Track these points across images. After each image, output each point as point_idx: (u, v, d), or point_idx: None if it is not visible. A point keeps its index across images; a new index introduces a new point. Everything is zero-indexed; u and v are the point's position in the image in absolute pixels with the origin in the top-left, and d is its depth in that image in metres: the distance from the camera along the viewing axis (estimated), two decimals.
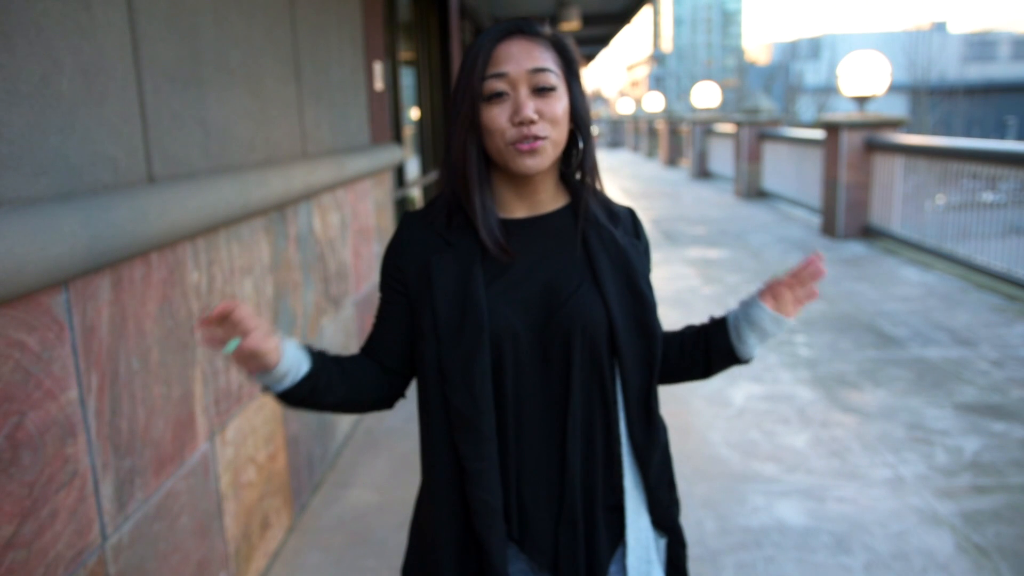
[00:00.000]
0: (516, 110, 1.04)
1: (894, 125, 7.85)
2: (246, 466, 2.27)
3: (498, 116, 1.05)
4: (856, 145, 7.77)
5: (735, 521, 2.63)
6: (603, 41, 15.17)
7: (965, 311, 5.10)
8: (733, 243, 7.95)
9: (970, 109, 37.21)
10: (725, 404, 3.64)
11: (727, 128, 13.45)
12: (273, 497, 2.48)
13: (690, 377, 1.25)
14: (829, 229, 8.10)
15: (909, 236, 7.06)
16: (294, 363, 1.03)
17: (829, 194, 8.10)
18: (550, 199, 1.15)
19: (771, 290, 1.14)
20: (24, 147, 1.34)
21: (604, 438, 1.12)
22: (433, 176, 6.36)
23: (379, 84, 4.13)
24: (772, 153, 11.12)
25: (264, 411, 2.42)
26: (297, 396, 1.07)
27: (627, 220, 1.20)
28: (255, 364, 1.00)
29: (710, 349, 1.19)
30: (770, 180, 11.23)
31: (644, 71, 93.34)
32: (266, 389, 1.05)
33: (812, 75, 53.24)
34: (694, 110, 16.88)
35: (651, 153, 22.96)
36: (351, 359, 1.16)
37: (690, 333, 1.24)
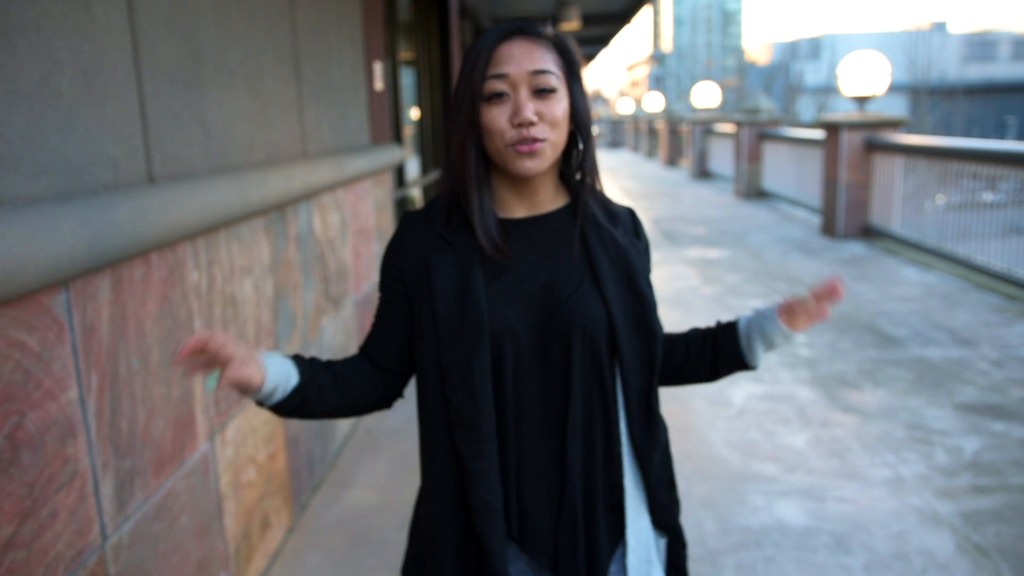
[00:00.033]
0: (516, 111, 1.04)
1: (894, 125, 7.85)
2: (246, 466, 2.27)
3: (498, 116, 1.05)
4: (856, 145, 7.78)
5: (735, 521, 2.63)
6: (603, 41, 15.17)
7: (965, 311, 5.10)
8: (733, 243, 7.95)
9: (970, 109, 37.21)
10: (725, 404, 3.64)
11: (727, 128, 13.45)
12: (273, 497, 2.48)
13: (696, 380, 1.25)
14: (829, 229, 8.10)
15: (909, 236, 7.06)
16: (281, 378, 1.03)
17: (829, 194, 8.10)
18: (550, 199, 1.15)
19: (788, 307, 1.15)
20: (24, 147, 1.34)
21: (604, 438, 1.12)
22: (433, 176, 6.36)
23: (379, 84, 4.13)
24: (772, 153, 11.13)
25: (264, 411, 2.42)
26: (288, 407, 1.07)
27: (627, 220, 1.20)
28: (240, 389, 1.00)
29: (719, 354, 1.20)
30: (770, 180, 11.23)
31: (644, 71, 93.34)
32: (259, 403, 1.06)
33: (812, 75, 53.24)
34: (694, 110, 16.88)
35: (651, 153, 22.96)
36: (345, 364, 1.16)
37: (695, 336, 1.24)
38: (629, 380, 1.11)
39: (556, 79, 1.06)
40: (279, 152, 2.61)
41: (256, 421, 2.36)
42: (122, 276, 1.62)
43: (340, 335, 3.30)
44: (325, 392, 1.11)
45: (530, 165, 1.06)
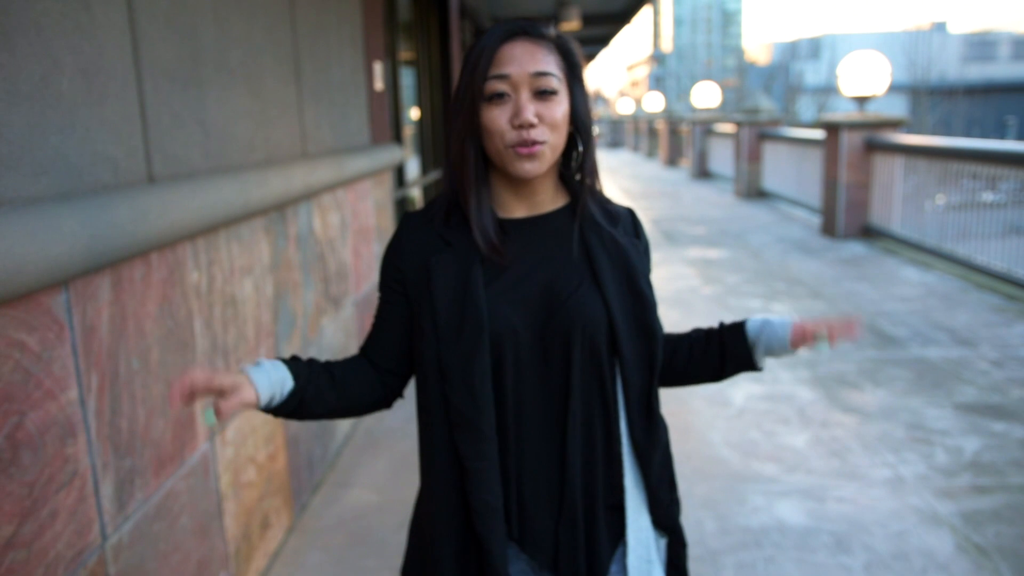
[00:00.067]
0: (516, 112, 1.04)
1: (894, 125, 7.85)
2: (246, 466, 2.27)
3: (498, 117, 1.05)
4: (856, 145, 7.78)
5: (735, 521, 2.63)
6: (603, 41, 15.17)
7: (965, 311, 5.10)
8: (733, 243, 7.95)
9: (970, 109, 37.21)
10: (725, 404, 3.64)
11: (727, 128, 13.45)
12: (273, 497, 2.48)
13: (700, 380, 1.26)
14: (829, 229, 8.11)
15: (909, 236, 7.06)
16: (276, 387, 1.05)
17: (829, 194, 8.10)
18: (549, 199, 1.15)
19: (803, 332, 1.15)
20: (24, 147, 1.34)
21: (604, 437, 1.12)
22: (433, 176, 6.36)
23: (379, 84, 4.13)
24: (772, 153, 11.13)
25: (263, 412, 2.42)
26: (285, 411, 1.08)
27: (627, 220, 1.20)
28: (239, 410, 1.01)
29: (725, 355, 1.21)
30: (770, 180, 11.23)
31: (644, 71, 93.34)
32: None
33: (812, 75, 53.25)
34: (694, 110, 16.87)
35: (651, 153, 22.95)
36: (344, 364, 1.16)
37: (698, 336, 1.24)
38: (629, 380, 1.11)
39: (557, 81, 1.06)
40: (279, 152, 2.61)
41: (256, 421, 2.36)
42: (122, 276, 1.62)
43: (340, 335, 3.30)
44: (323, 393, 1.11)
45: (529, 167, 1.06)
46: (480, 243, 1.07)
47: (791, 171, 10.28)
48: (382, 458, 3.20)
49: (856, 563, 2.38)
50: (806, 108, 43.94)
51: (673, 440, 1.24)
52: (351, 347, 3.45)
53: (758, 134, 11.44)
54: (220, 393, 0.98)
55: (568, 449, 1.09)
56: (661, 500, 1.16)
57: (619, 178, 16.29)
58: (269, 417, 2.45)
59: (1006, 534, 2.49)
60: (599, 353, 1.09)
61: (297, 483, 2.71)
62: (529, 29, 1.07)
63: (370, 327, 1.20)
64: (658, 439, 1.15)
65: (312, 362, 1.13)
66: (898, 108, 35.04)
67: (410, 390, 1.19)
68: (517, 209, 1.13)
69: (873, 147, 7.66)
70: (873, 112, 7.94)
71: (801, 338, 1.15)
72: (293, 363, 1.10)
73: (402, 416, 3.35)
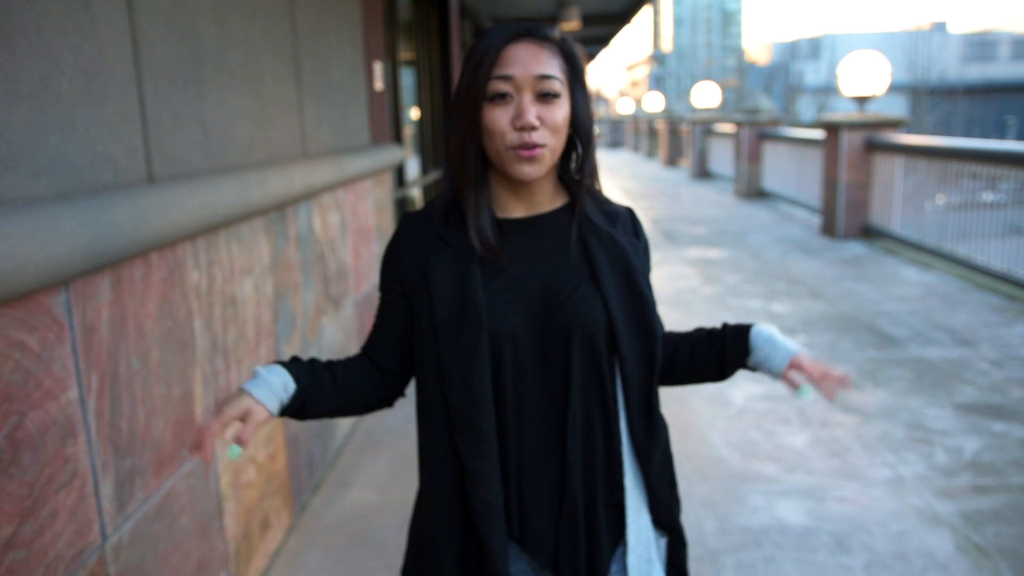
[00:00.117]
0: (518, 114, 1.04)
1: (894, 125, 7.85)
2: (246, 466, 2.28)
3: (500, 117, 1.05)
4: (856, 145, 7.78)
5: (735, 521, 2.63)
6: (603, 41, 15.16)
7: (965, 311, 5.10)
8: (733, 243, 7.95)
9: (970, 109, 37.22)
10: (725, 404, 3.64)
11: (727, 128, 13.45)
12: (273, 497, 2.48)
13: (702, 380, 1.26)
14: (829, 229, 8.11)
15: (909, 236, 7.06)
16: (280, 392, 1.06)
17: (829, 194, 8.10)
18: (548, 199, 1.15)
19: (799, 367, 1.16)
20: (24, 147, 1.34)
21: (604, 437, 1.12)
22: (433, 176, 6.36)
23: (379, 84, 4.13)
24: (772, 153, 11.13)
25: None
26: (289, 412, 1.10)
27: (626, 219, 1.20)
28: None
29: (726, 357, 1.21)
30: (770, 180, 11.23)
31: (644, 71, 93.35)
32: None
33: (812, 75, 53.27)
34: (694, 110, 16.87)
35: (651, 153, 22.95)
36: (345, 364, 1.17)
37: (701, 336, 1.24)
38: (629, 379, 1.11)
39: (560, 84, 1.06)
40: (279, 152, 2.61)
41: None
42: (122, 276, 1.62)
43: (340, 335, 3.30)
44: (325, 393, 1.12)
45: (529, 170, 1.06)
46: (476, 244, 1.08)
47: (791, 171, 10.28)
48: (382, 458, 3.20)
49: (856, 563, 2.38)
50: (806, 108, 43.95)
51: (673, 440, 1.24)
52: (351, 347, 3.45)
53: (758, 134, 11.44)
54: (239, 423, 1.03)
55: (568, 449, 1.09)
56: (661, 499, 1.16)
57: (619, 178, 16.30)
58: None
59: (1006, 534, 2.49)
60: (599, 353, 1.09)
61: (297, 483, 2.71)
62: (534, 31, 1.07)
63: (371, 327, 1.20)
64: (658, 438, 1.15)
65: (313, 362, 1.14)
66: (898, 108, 35.05)
67: (411, 389, 1.19)
68: (516, 209, 1.14)
69: (873, 147, 7.66)
70: (873, 112, 7.94)
71: (794, 374, 1.17)
72: (294, 364, 1.11)
73: (402, 416, 3.35)
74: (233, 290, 2.20)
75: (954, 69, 44.31)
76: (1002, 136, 37.15)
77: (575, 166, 1.15)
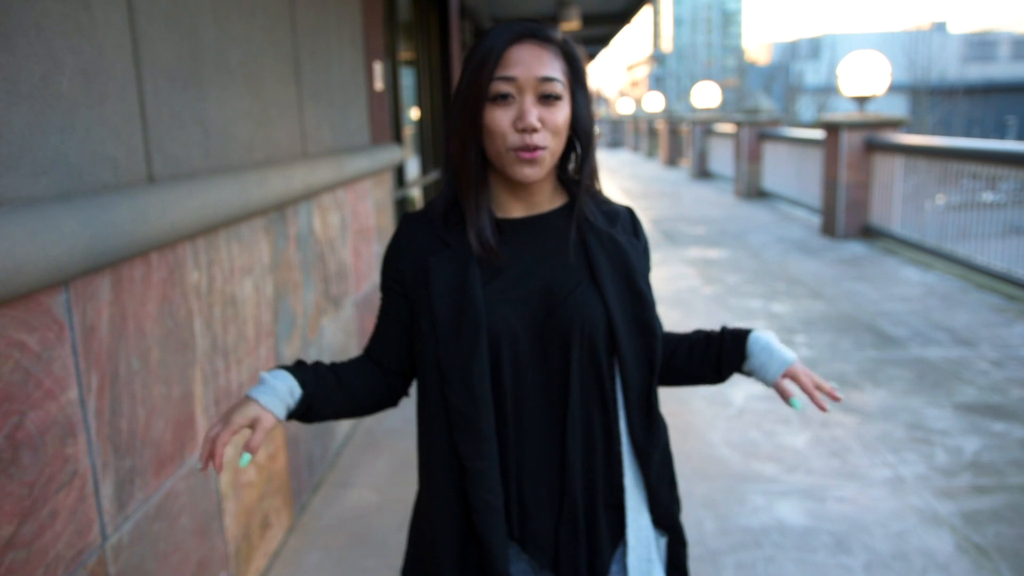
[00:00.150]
0: (520, 116, 1.04)
1: (894, 125, 7.85)
2: (246, 466, 2.27)
3: (501, 118, 1.05)
4: (856, 145, 7.78)
5: (735, 521, 2.63)
6: (603, 41, 15.16)
7: (965, 311, 5.10)
8: (733, 243, 7.95)
9: (970, 109, 37.22)
10: (725, 404, 3.64)
11: (727, 128, 13.45)
12: (273, 497, 2.48)
13: (700, 382, 1.27)
14: (829, 229, 8.11)
15: (909, 236, 7.06)
16: (286, 398, 1.07)
17: (829, 194, 8.10)
18: (547, 199, 1.15)
19: (794, 376, 1.17)
20: (24, 147, 1.34)
21: (604, 436, 1.12)
22: (433, 176, 6.36)
23: (379, 84, 4.13)
24: (772, 153, 11.13)
25: None
26: (295, 416, 1.11)
27: (626, 219, 1.20)
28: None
29: (723, 360, 1.22)
30: (770, 180, 11.23)
31: (644, 71, 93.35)
32: None
33: (812, 75, 53.28)
34: (694, 110, 16.87)
35: (651, 153, 22.95)
36: (349, 366, 1.18)
37: (699, 339, 1.25)
38: (629, 379, 1.11)
39: (561, 86, 1.06)
40: (279, 152, 2.61)
41: None
42: (122, 276, 1.62)
43: (340, 335, 3.30)
44: (330, 396, 1.13)
45: (529, 172, 1.06)
46: (474, 244, 1.08)
47: (791, 171, 10.28)
48: (382, 458, 3.20)
49: (856, 563, 2.38)
50: (806, 108, 43.96)
51: (673, 440, 1.24)
52: (351, 347, 3.45)
53: (758, 134, 11.43)
54: (248, 431, 1.03)
55: (568, 448, 1.09)
56: (661, 499, 1.17)
57: (619, 178, 16.30)
58: None
59: (1006, 534, 2.49)
60: (598, 352, 1.09)
61: (297, 483, 2.71)
62: (537, 32, 1.06)
63: (374, 328, 1.20)
64: (658, 438, 1.15)
65: (318, 365, 1.15)
66: (898, 108, 35.06)
67: (414, 389, 1.20)
68: (515, 209, 1.14)
69: (873, 147, 7.66)
70: (873, 112, 7.94)
71: (787, 383, 1.18)
72: (299, 369, 1.12)
73: (402, 416, 3.35)
74: (233, 290, 2.20)
75: (954, 69, 44.31)
76: (1002, 136, 37.16)
77: (574, 166, 1.15)
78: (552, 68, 1.05)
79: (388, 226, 4.19)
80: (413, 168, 5.82)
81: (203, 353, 1.99)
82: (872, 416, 3.46)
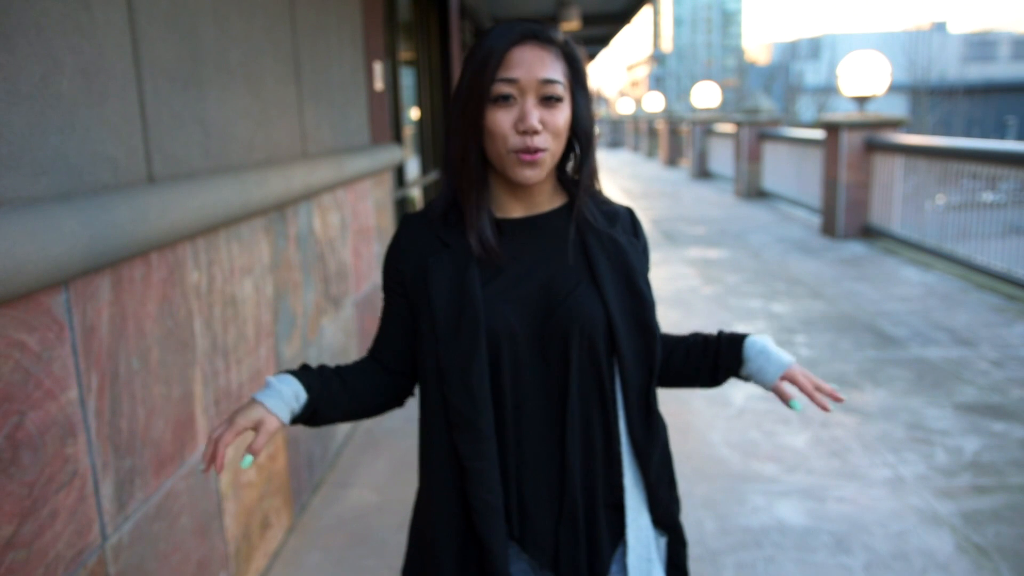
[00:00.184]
0: (521, 118, 1.04)
1: (894, 125, 7.85)
2: (248, 468, 2.27)
3: (502, 120, 1.05)
4: (856, 145, 7.78)
5: (735, 521, 2.63)
6: (603, 41, 15.16)
7: (965, 311, 5.10)
8: (733, 243, 7.95)
9: (970, 109, 37.23)
10: (725, 404, 3.64)
11: (727, 128, 13.45)
12: (273, 497, 2.48)
13: (695, 384, 1.27)
14: (829, 229, 8.11)
15: (909, 236, 7.06)
16: (291, 402, 1.07)
17: (829, 194, 8.10)
18: (547, 200, 1.15)
19: (792, 379, 1.18)
20: (24, 147, 1.34)
21: (603, 436, 1.12)
22: (433, 176, 6.36)
23: (379, 84, 4.13)
24: (772, 153, 11.13)
25: None
26: (301, 420, 1.11)
27: (625, 219, 1.20)
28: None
29: (719, 364, 1.22)
30: (770, 180, 11.23)
31: (644, 71, 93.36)
32: None
33: (812, 75, 53.30)
34: (694, 110, 16.87)
35: (651, 153, 22.95)
36: (353, 368, 1.18)
37: (696, 342, 1.25)
38: (628, 379, 1.11)
39: (562, 88, 1.06)
40: (279, 152, 2.61)
41: None
42: (122, 276, 1.62)
43: (340, 335, 3.30)
44: (336, 399, 1.14)
45: (530, 174, 1.06)
46: (474, 246, 1.08)
47: (791, 171, 10.28)
48: (382, 458, 3.20)
49: (856, 563, 2.38)
50: (806, 108, 43.97)
51: (673, 440, 1.24)
52: (351, 347, 3.45)
53: (758, 134, 11.44)
54: (250, 433, 1.03)
55: (567, 448, 1.10)
56: (661, 499, 1.17)
57: (619, 178, 16.30)
58: None
59: (1006, 534, 2.49)
60: (597, 352, 1.09)
61: (297, 483, 2.71)
62: (538, 33, 1.06)
63: (377, 329, 1.21)
64: (657, 438, 1.15)
65: (323, 369, 1.15)
66: (898, 108, 35.07)
67: (418, 388, 1.20)
68: (515, 209, 1.14)
69: (873, 147, 7.66)
70: (873, 112, 7.94)
71: (786, 386, 1.18)
72: (304, 373, 1.12)
73: (402, 416, 3.35)
74: (233, 290, 2.20)
75: (954, 69, 44.32)
76: (1002, 136, 37.16)
77: (573, 166, 1.15)
78: (553, 70, 1.05)
79: (388, 226, 4.19)
80: (413, 168, 5.82)
81: (203, 353, 1.99)
82: (872, 416, 3.46)
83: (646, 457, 1.13)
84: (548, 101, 1.05)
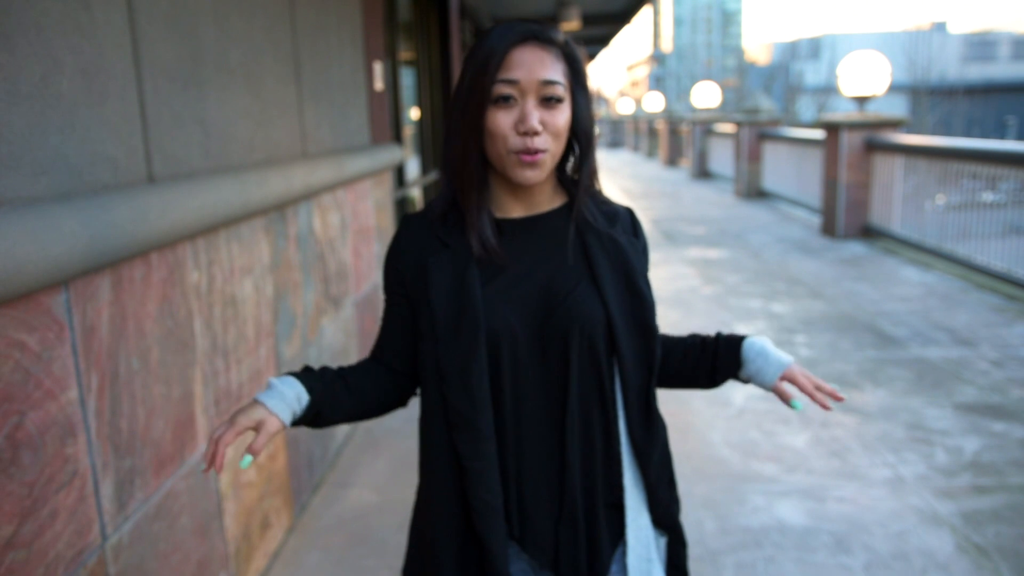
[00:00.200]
0: (522, 119, 1.04)
1: (894, 125, 7.85)
2: (247, 468, 2.27)
3: (503, 121, 1.05)
4: (856, 145, 7.78)
5: (735, 521, 2.63)
6: (603, 41, 15.16)
7: (965, 311, 5.10)
8: (733, 243, 7.95)
9: (970, 109, 37.23)
10: (725, 404, 3.64)
11: (727, 128, 13.45)
12: (273, 497, 2.48)
13: (693, 386, 1.27)
14: (829, 229, 8.11)
15: (909, 236, 7.06)
16: (293, 404, 1.07)
17: (829, 194, 8.10)
18: (547, 200, 1.15)
19: (792, 379, 1.19)
20: (24, 147, 1.34)
21: (603, 436, 1.12)
22: (433, 176, 6.36)
23: (379, 84, 4.13)
24: (772, 153, 11.13)
25: None
26: (304, 422, 1.12)
27: (625, 219, 1.20)
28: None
29: (717, 366, 1.22)
30: (770, 180, 11.23)
31: (644, 71, 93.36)
32: None
33: (812, 75, 53.31)
34: (694, 110, 16.87)
35: (651, 153, 22.95)
36: (356, 370, 1.18)
37: (694, 343, 1.25)
38: (628, 379, 1.11)
39: (563, 89, 1.06)
40: (279, 152, 2.61)
41: None
42: (122, 276, 1.62)
43: (340, 335, 3.30)
44: (339, 401, 1.14)
45: (530, 175, 1.06)
46: (476, 248, 1.08)
47: (791, 171, 10.28)
48: (382, 458, 3.20)
49: (856, 563, 2.38)
50: (806, 108, 43.97)
51: (673, 440, 1.24)
52: (351, 347, 3.45)
53: (758, 134, 11.44)
54: (251, 433, 1.03)
55: (567, 448, 1.10)
56: (660, 499, 1.17)
57: (619, 178, 16.30)
58: None
59: (1006, 534, 2.49)
60: (597, 352, 1.09)
61: (297, 483, 2.71)
62: (539, 34, 1.06)
63: (379, 330, 1.21)
64: (657, 438, 1.15)
65: (325, 371, 1.15)
66: (898, 108, 35.07)
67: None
68: (515, 209, 1.14)
69: (873, 147, 7.66)
70: (873, 112, 7.94)
71: (786, 386, 1.19)
72: (307, 375, 1.12)
73: (402, 416, 3.34)
74: (233, 290, 2.20)
75: (954, 69, 44.33)
76: (1002, 136, 37.17)
77: (572, 166, 1.16)
78: (554, 71, 1.05)
79: (388, 226, 4.19)
80: (413, 168, 5.82)
81: (203, 353, 1.99)
82: (872, 416, 3.46)
83: (646, 457, 1.13)
84: (548, 102, 1.05)
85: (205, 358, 2.00)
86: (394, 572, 2.35)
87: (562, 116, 1.06)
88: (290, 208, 2.69)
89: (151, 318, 1.73)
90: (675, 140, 19.04)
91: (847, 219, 7.88)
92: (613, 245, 1.13)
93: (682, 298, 5.68)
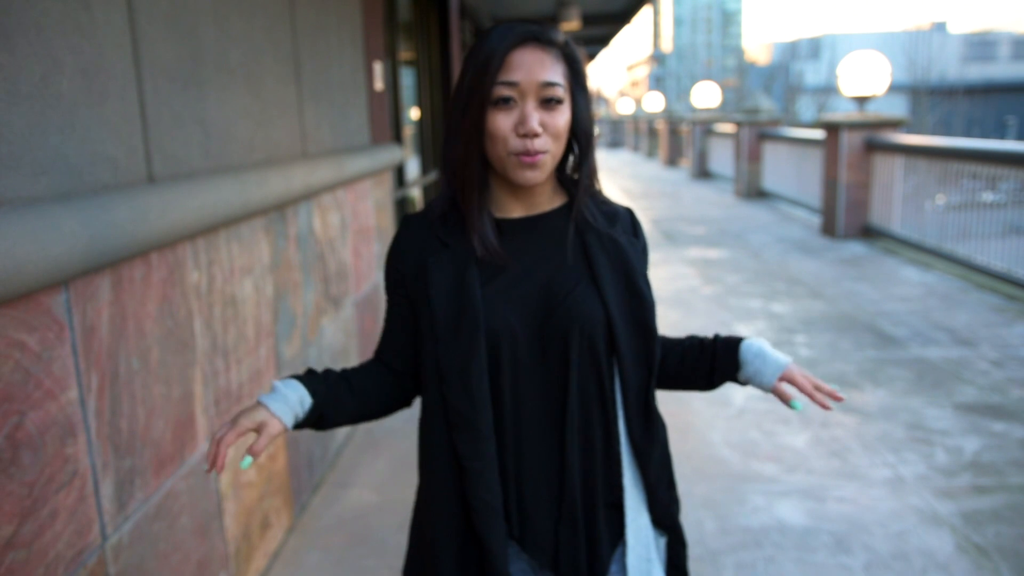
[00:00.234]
0: (522, 121, 1.04)
1: (894, 125, 7.85)
2: (247, 468, 2.27)
3: (503, 122, 1.05)
4: (856, 145, 7.78)
5: (735, 521, 2.63)
6: (603, 41, 15.16)
7: (965, 311, 5.10)
8: (733, 243, 7.95)
9: (970, 109, 37.24)
10: (725, 404, 3.64)
11: (727, 128, 13.45)
12: (273, 497, 2.48)
13: (690, 387, 1.27)
14: (829, 229, 8.11)
15: (909, 236, 7.06)
16: (296, 407, 1.08)
17: (829, 194, 8.10)
18: (547, 200, 1.15)
19: (791, 379, 1.20)
20: (24, 147, 1.34)
21: (603, 436, 1.13)
22: (433, 176, 6.36)
23: (379, 84, 4.13)
24: (772, 153, 11.13)
25: None
26: (307, 424, 1.12)
27: (625, 219, 1.20)
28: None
29: (715, 368, 1.22)
30: (770, 180, 11.23)
31: (644, 71, 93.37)
32: None
33: (812, 75, 53.32)
34: (694, 110, 16.87)
35: (651, 153, 22.96)
36: (359, 371, 1.19)
37: (692, 345, 1.25)
38: (627, 379, 1.11)
39: (563, 90, 1.06)
40: (279, 152, 2.61)
41: None
42: (122, 276, 1.62)
43: (340, 335, 3.30)
44: (342, 403, 1.14)
45: (530, 176, 1.06)
46: (478, 249, 1.08)
47: (791, 171, 10.28)
48: (382, 458, 3.20)
49: (856, 563, 2.38)
50: (806, 108, 43.97)
51: (673, 440, 1.24)
52: (351, 347, 3.45)
53: (758, 134, 11.44)
54: (252, 435, 1.03)
55: (567, 448, 1.10)
56: (660, 499, 1.17)
57: (619, 178, 16.30)
58: None
59: (1006, 534, 2.49)
60: (597, 352, 1.09)
61: (297, 483, 2.71)
62: (539, 35, 1.06)
63: (382, 331, 1.21)
64: (656, 438, 1.15)
65: (329, 373, 1.15)
66: (898, 108, 35.08)
67: None
68: (515, 209, 1.14)
69: (873, 147, 7.66)
70: (873, 112, 7.94)
71: (785, 387, 1.19)
72: (310, 378, 1.12)
73: (402, 416, 3.33)
74: (233, 290, 2.20)
75: (954, 69, 44.33)
76: (1002, 136, 37.17)
77: (572, 166, 1.16)
78: (554, 72, 1.05)
79: (388, 226, 4.19)
80: (413, 168, 5.82)
81: (203, 353, 1.99)
82: (872, 416, 3.46)
83: (645, 457, 1.14)
84: (548, 103, 1.05)
85: (205, 358, 2.00)
86: (394, 572, 2.35)
87: (562, 117, 1.06)
88: (290, 208, 2.69)
89: (151, 318, 1.73)
90: (675, 140, 19.04)
91: (847, 219, 7.89)
92: (613, 245, 1.13)
93: (682, 298, 5.67)
